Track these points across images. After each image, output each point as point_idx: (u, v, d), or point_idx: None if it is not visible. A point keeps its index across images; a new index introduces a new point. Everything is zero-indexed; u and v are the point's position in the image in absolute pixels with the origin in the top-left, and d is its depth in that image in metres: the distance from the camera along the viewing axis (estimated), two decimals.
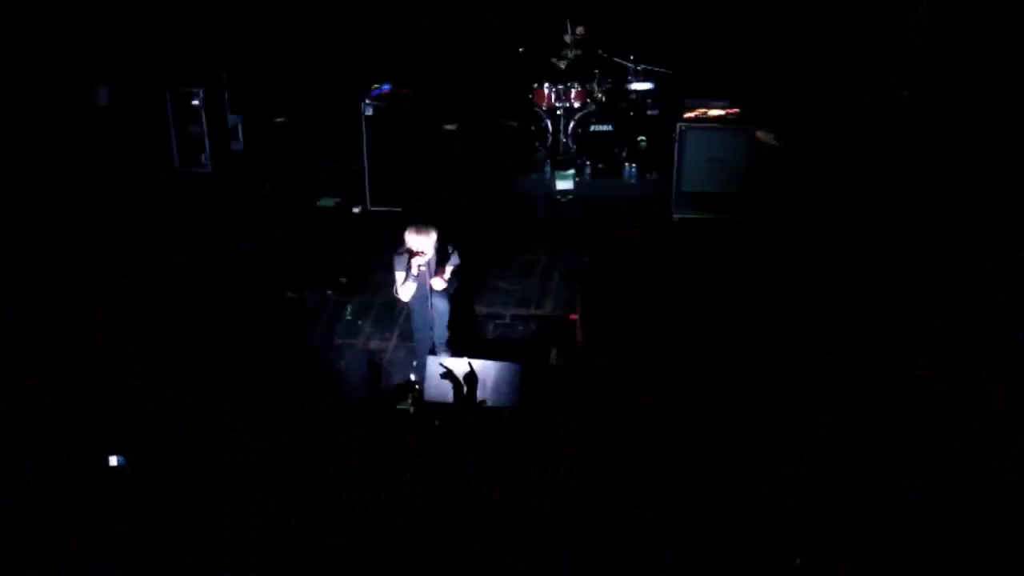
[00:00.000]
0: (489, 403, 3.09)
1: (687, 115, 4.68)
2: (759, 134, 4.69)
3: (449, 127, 5.05)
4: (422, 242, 3.31)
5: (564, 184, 5.00)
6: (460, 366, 3.13)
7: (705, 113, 4.64)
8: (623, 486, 2.75)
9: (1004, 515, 2.60)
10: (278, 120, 5.53)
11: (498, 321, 3.96)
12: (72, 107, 5.12)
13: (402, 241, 3.36)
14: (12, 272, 3.98)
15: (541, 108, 5.13)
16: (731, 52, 5.16)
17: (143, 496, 2.73)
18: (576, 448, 2.89)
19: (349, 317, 3.90)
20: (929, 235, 4.11)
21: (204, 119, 5.09)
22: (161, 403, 3.13)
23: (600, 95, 5.20)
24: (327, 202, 4.95)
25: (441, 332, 3.51)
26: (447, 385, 3.12)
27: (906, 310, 3.62)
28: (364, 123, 4.77)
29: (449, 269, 3.50)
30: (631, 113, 5.21)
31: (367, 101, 4.80)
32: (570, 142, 5.14)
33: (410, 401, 3.18)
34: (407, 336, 3.71)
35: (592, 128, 5.10)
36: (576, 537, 2.62)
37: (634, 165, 5.08)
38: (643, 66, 5.14)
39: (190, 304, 3.86)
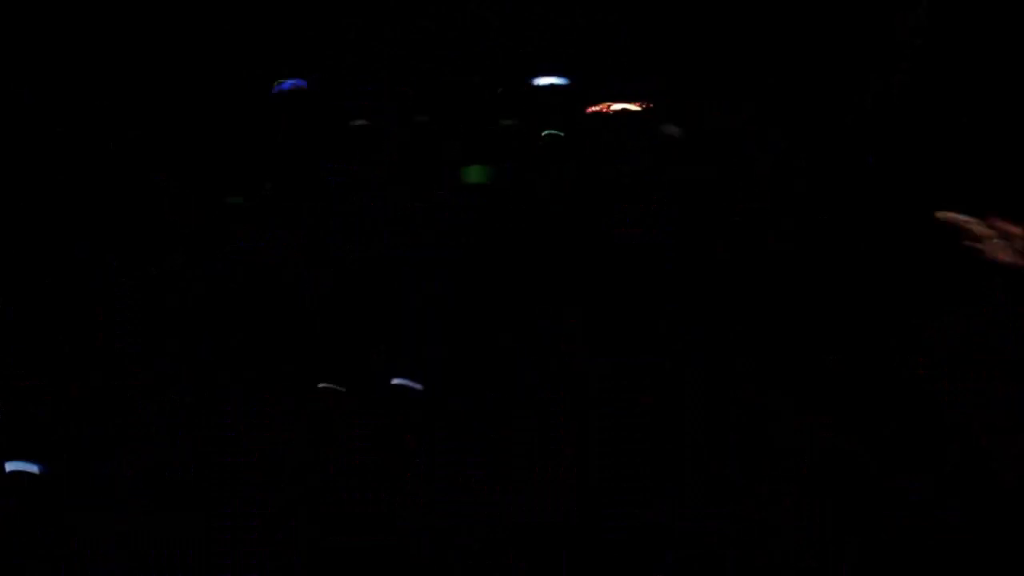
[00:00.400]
0: None
1: (591, 109, 4.70)
2: (666, 128, 4.72)
3: (358, 123, 4.96)
4: None
5: (476, 178, 4.95)
6: None
7: (608, 108, 4.65)
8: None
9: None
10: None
11: None
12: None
13: None
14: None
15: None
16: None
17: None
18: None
19: None
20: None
21: None
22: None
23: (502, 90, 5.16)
24: (236, 199, 4.75)
25: None
26: None
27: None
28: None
29: None
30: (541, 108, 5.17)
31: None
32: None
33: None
34: None
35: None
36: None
37: None
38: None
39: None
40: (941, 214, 1.79)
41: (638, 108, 4.64)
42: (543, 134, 5.11)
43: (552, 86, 5.10)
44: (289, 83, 4.78)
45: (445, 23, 5.57)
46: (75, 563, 2.52)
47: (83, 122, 5.21)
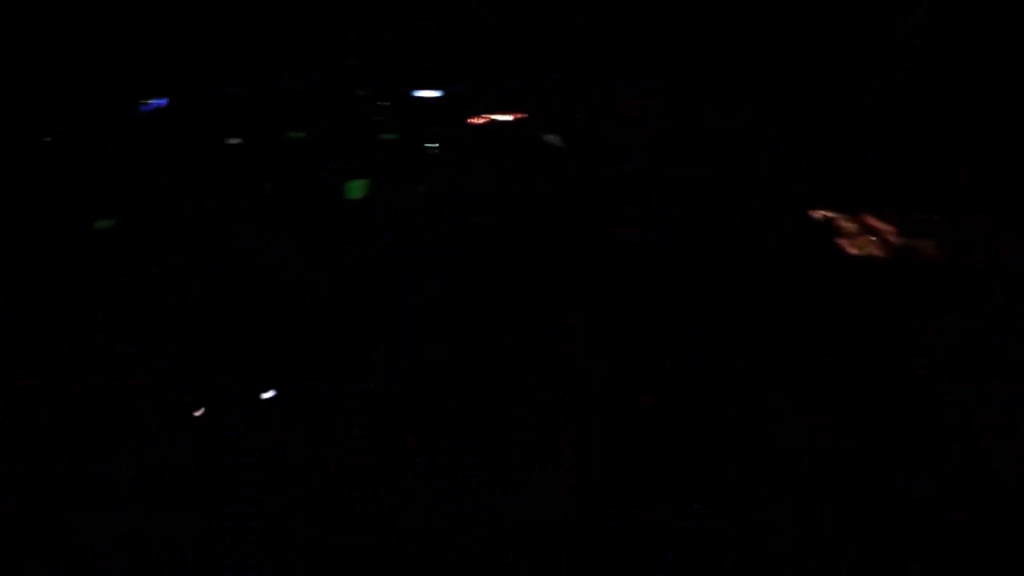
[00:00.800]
0: None
1: (471, 121, 4.76)
2: (547, 137, 4.77)
3: (232, 141, 4.93)
4: None
5: (357, 194, 4.95)
6: None
7: (490, 120, 4.71)
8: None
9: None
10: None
11: None
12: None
13: None
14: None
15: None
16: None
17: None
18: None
19: None
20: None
21: None
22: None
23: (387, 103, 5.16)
24: (105, 224, 4.65)
25: None
26: None
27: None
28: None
29: None
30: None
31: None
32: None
33: None
34: None
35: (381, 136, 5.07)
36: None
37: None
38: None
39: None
40: (814, 212, 1.81)
41: (513, 118, 4.70)
42: (424, 147, 5.12)
43: (431, 99, 5.11)
44: (154, 103, 4.77)
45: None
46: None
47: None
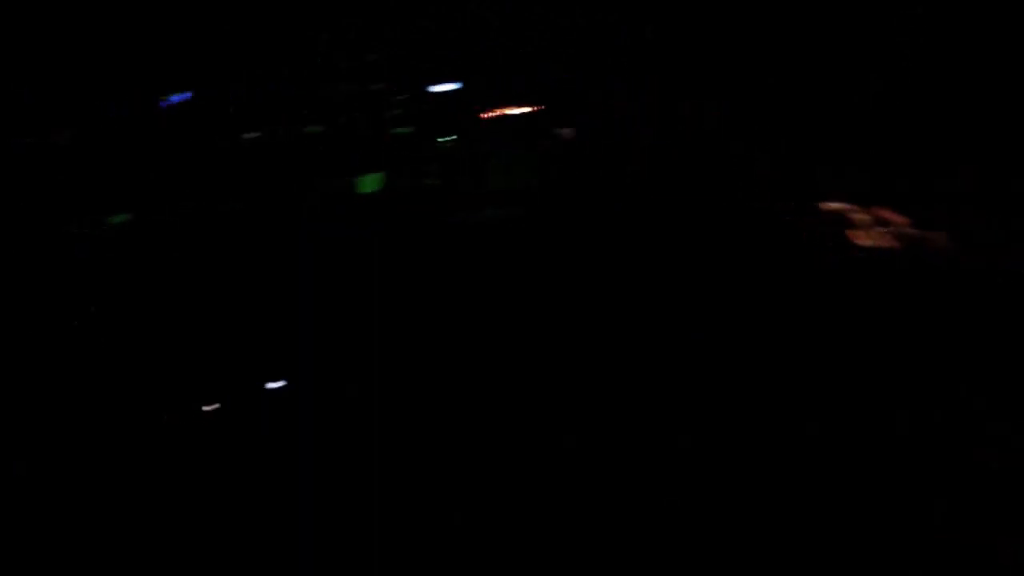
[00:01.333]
0: None
1: (485, 115, 4.77)
2: (562, 131, 4.78)
3: (250, 136, 4.93)
4: None
5: (370, 187, 4.94)
6: None
7: (503, 114, 4.73)
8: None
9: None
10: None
11: None
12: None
13: None
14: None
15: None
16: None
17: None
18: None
19: None
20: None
21: None
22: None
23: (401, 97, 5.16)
24: (120, 218, 4.57)
25: None
26: None
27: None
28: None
29: None
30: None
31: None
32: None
33: None
34: None
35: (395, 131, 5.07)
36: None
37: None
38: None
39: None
40: (826, 204, 1.84)
41: (529, 111, 4.71)
42: (438, 140, 5.12)
43: (446, 93, 5.11)
44: (177, 97, 4.77)
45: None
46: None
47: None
